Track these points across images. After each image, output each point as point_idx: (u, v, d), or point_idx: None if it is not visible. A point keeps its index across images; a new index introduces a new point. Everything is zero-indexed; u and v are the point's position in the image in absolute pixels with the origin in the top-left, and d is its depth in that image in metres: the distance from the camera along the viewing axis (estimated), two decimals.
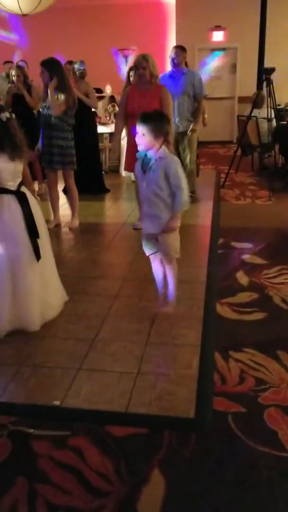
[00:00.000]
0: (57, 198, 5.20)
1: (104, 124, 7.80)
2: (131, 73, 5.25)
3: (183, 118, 5.63)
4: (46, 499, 1.80)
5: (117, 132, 4.99)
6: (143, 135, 2.65)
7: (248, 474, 1.89)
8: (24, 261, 2.81)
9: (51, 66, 4.52)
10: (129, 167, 4.67)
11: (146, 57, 4.44)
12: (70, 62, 6.94)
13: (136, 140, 2.72)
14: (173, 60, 5.53)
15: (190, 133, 5.68)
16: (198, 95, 5.63)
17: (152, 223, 2.81)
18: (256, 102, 6.84)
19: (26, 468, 1.94)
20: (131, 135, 4.57)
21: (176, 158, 2.72)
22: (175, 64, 5.53)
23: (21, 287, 2.82)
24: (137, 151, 2.81)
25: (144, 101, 4.42)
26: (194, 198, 5.91)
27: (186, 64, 5.80)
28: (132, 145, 4.60)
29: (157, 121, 2.66)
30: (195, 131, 5.75)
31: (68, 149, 4.81)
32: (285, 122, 7.02)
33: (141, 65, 4.39)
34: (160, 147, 2.67)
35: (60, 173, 5.10)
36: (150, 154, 2.71)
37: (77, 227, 5.05)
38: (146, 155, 2.73)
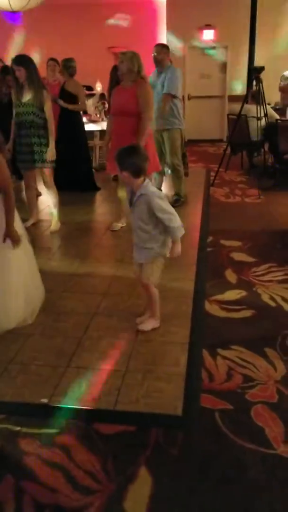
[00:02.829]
0: (35, 196, 5.26)
1: (94, 121, 7.78)
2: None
3: (159, 116, 5.35)
4: (33, 497, 1.79)
5: (107, 131, 4.86)
6: (120, 172, 2.67)
7: (235, 471, 1.90)
8: None
9: (26, 63, 4.45)
10: (111, 170, 4.58)
11: (125, 52, 4.41)
12: (53, 59, 6.87)
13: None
14: (154, 58, 5.43)
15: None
16: (165, 91, 5.38)
17: (139, 253, 2.83)
18: (254, 97, 6.81)
19: (13, 466, 1.94)
20: (113, 135, 4.53)
21: (158, 193, 2.69)
22: (157, 61, 5.43)
23: None
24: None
25: (119, 100, 4.40)
26: (181, 201, 5.77)
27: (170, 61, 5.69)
28: (113, 146, 4.48)
29: (119, 155, 2.64)
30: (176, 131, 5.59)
31: (45, 146, 4.72)
32: (274, 121, 7.03)
33: (119, 59, 4.38)
34: (138, 182, 2.65)
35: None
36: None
37: (57, 231, 4.94)
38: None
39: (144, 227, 2.72)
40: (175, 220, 2.67)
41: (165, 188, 6.25)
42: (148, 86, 4.47)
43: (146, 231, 2.73)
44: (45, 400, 2.30)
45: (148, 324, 2.93)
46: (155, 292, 2.92)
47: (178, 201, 5.75)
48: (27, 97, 4.50)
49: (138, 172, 2.62)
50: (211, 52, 10.45)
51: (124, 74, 4.39)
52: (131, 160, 2.61)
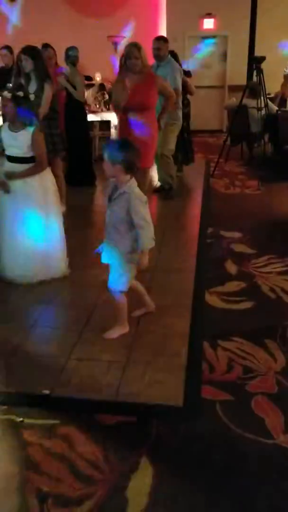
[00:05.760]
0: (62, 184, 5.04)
1: (93, 112, 7.73)
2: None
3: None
4: (36, 487, 1.81)
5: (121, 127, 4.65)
6: (106, 162, 2.56)
7: (235, 462, 1.92)
8: None
9: (34, 54, 4.46)
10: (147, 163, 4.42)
11: (138, 46, 4.25)
12: (46, 46, 6.67)
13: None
14: (157, 54, 5.28)
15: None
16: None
17: (107, 252, 2.72)
18: (253, 91, 6.78)
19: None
20: (123, 129, 4.46)
21: (140, 195, 2.59)
22: (160, 56, 5.30)
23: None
24: None
25: (136, 96, 4.27)
26: (168, 187, 5.71)
27: (174, 53, 5.61)
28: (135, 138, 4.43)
29: (113, 148, 2.55)
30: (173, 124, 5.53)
31: (56, 136, 4.78)
32: (274, 112, 7.02)
33: (134, 55, 4.21)
34: (126, 178, 2.56)
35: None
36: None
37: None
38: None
39: (118, 227, 2.61)
40: (147, 229, 2.56)
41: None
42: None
43: (119, 232, 2.62)
44: (47, 391, 2.32)
45: (115, 331, 2.80)
46: (121, 299, 2.78)
47: (166, 191, 5.71)
48: (32, 89, 4.51)
49: (130, 167, 2.54)
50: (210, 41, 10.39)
51: (138, 70, 4.27)
52: (126, 155, 2.52)
